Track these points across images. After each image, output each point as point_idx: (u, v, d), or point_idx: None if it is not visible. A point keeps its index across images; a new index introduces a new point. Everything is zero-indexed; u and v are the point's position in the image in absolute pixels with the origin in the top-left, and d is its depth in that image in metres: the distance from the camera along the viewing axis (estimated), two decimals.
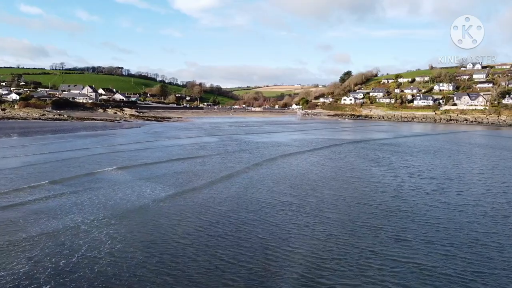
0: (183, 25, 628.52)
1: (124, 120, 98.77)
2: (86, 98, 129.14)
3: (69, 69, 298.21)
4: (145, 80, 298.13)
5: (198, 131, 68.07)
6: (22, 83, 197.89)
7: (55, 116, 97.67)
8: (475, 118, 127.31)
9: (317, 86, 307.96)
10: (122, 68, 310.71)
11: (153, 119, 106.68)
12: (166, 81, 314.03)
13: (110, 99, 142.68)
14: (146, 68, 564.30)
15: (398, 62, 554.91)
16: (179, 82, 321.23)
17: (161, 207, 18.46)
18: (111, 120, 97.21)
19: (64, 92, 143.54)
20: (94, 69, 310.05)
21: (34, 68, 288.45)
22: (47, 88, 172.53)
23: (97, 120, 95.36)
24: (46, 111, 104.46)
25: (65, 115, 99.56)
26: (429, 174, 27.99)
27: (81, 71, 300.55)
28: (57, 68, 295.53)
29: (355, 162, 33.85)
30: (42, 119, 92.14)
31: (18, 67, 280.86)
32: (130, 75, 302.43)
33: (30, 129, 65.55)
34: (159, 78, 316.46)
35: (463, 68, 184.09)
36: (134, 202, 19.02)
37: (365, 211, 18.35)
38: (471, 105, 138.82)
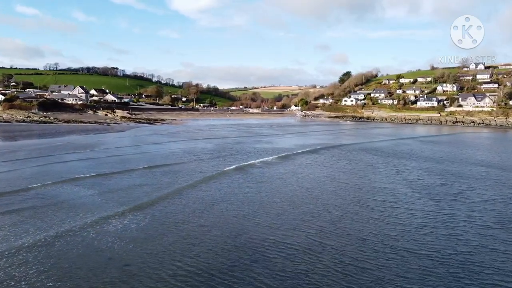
0: (181, 26, 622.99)
1: (114, 123, 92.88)
2: (75, 99, 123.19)
3: (64, 70, 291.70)
4: (140, 80, 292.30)
5: (192, 135, 62.41)
6: (13, 83, 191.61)
7: (41, 118, 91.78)
8: (483, 120, 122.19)
9: (314, 87, 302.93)
10: (117, 68, 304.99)
11: (145, 121, 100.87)
12: (162, 81, 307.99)
13: (101, 100, 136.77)
14: (143, 69, 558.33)
15: (396, 63, 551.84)
16: (175, 83, 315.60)
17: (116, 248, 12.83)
18: (100, 122, 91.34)
19: (53, 93, 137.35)
20: (89, 70, 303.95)
21: (27, 69, 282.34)
22: (38, 89, 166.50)
23: (85, 122, 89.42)
24: (32, 113, 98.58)
25: (51, 118, 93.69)
26: (479, 196, 22.33)
27: (75, 71, 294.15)
28: (51, 68, 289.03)
29: (376, 178, 28.27)
30: (26, 122, 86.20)
31: (11, 68, 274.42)
32: (125, 76, 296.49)
33: (8, 133, 59.78)
34: (155, 79, 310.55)
35: (465, 69, 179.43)
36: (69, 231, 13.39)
37: (416, 264, 12.73)
38: (477, 107, 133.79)
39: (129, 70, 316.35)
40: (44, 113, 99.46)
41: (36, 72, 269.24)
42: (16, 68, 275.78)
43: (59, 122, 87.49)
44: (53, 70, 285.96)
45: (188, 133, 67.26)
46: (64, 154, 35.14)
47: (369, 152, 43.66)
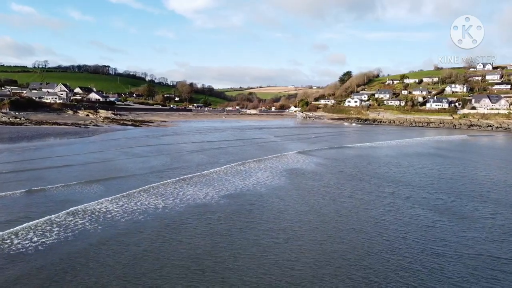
0: (177, 26, 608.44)
1: (94, 125, 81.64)
2: (54, 98, 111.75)
3: (53, 68, 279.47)
4: (133, 79, 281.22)
5: (176, 139, 51.70)
6: None
7: (10, 119, 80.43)
8: (500, 124, 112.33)
9: (311, 87, 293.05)
10: (108, 66, 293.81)
11: (130, 123, 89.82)
12: (156, 81, 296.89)
13: (84, 99, 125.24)
14: (136, 68, 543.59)
15: (393, 63, 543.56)
16: (169, 82, 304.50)
17: None
18: (78, 124, 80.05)
19: (33, 91, 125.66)
20: (80, 68, 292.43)
21: (15, 66, 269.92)
22: (21, 87, 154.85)
23: (61, 124, 78.15)
24: (2, 112, 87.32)
25: (22, 118, 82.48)
26: None
27: (64, 70, 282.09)
28: (39, 66, 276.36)
29: (435, 220, 17.87)
30: None
31: None
32: (117, 74, 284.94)
33: None
34: (148, 78, 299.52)
35: (472, 69, 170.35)
36: None
37: None
38: (492, 109, 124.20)
39: (121, 69, 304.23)
40: (16, 113, 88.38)
41: (23, 70, 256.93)
42: (2, 66, 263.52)
43: (29, 124, 76.16)
44: (42, 68, 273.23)
45: (172, 137, 56.73)
46: None
47: (414, 174, 33.31)
